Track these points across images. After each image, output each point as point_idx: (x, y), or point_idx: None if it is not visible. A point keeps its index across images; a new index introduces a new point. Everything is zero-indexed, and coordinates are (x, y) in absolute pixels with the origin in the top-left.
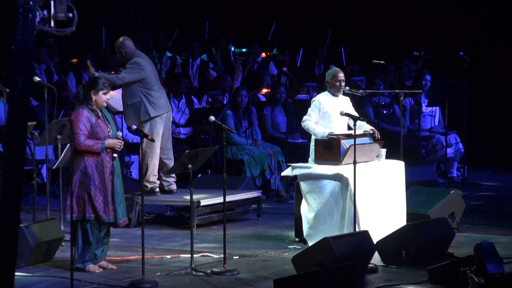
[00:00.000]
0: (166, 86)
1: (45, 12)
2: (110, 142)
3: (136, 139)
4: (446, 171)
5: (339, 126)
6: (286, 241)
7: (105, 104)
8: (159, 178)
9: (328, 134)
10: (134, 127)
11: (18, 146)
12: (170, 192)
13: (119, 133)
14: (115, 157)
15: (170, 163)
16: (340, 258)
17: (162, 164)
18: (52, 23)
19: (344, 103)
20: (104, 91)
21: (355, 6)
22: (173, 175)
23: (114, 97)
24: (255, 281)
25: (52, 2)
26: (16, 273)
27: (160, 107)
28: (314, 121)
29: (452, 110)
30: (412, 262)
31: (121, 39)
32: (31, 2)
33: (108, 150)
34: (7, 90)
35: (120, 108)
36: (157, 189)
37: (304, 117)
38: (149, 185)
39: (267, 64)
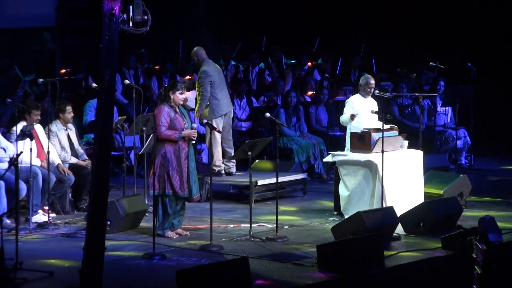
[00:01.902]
0: (230, 89)
1: (124, 15)
2: (185, 132)
3: (204, 131)
4: (456, 159)
5: (368, 121)
6: (327, 214)
7: (181, 102)
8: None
9: (347, 123)
10: (205, 121)
11: (106, 131)
12: (230, 174)
13: (194, 125)
14: (192, 143)
15: (231, 151)
16: (370, 228)
17: (224, 152)
18: (131, 24)
19: (372, 103)
20: (180, 92)
21: (384, 25)
22: (233, 160)
23: (188, 97)
24: (301, 246)
25: (130, 7)
26: (109, 238)
27: (221, 107)
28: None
29: (461, 109)
30: (428, 232)
31: (195, 48)
32: (115, 8)
33: (185, 139)
34: None
35: (193, 106)
36: (223, 172)
37: (342, 116)
38: (216, 168)
39: (312, 71)
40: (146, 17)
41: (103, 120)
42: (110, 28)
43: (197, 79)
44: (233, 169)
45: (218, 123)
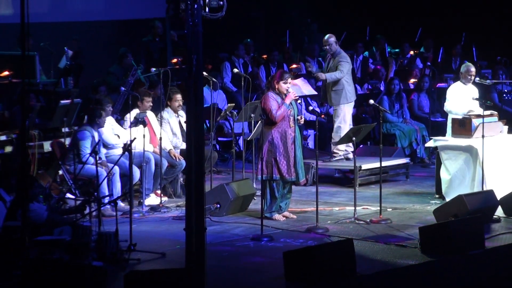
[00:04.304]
0: None
1: (201, 1)
2: (288, 98)
3: (310, 117)
4: None
5: (469, 107)
6: (429, 197)
7: (285, 91)
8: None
9: (462, 114)
10: (310, 108)
11: (198, 114)
12: (348, 159)
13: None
14: (300, 123)
15: None
16: (471, 211)
17: None
18: (207, 9)
19: (472, 90)
20: (284, 81)
21: (485, 14)
22: (351, 146)
23: (294, 86)
24: (404, 228)
25: None
26: (219, 221)
27: (352, 95)
28: (452, 103)
29: None
30: None
31: (326, 37)
32: None
33: (291, 125)
34: (213, 79)
35: (299, 94)
36: (342, 157)
37: (445, 103)
38: (340, 152)
39: (415, 59)
40: (221, 2)
41: (193, 104)
42: (192, 14)
43: (339, 61)
44: (350, 155)
45: (348, 109)
